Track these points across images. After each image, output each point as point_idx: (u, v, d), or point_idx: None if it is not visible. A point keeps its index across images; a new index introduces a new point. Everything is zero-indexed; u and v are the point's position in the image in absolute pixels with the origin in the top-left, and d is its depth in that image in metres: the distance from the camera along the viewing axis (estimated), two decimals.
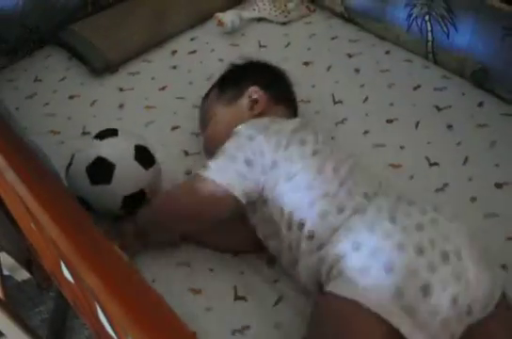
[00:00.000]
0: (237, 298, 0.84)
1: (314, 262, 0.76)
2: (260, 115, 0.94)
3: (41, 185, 0.63)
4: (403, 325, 0.65)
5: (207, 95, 1.03)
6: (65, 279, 0.92)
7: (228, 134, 0.88)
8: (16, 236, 1.35)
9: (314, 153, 0.82)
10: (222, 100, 0.98)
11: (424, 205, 0.77)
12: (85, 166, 0.89)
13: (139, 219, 0.88)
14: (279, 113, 0.95)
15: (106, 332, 0.70)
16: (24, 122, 1.17)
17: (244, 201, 0.81)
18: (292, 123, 0.88)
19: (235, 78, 1.00)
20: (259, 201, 0.83)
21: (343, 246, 0.73)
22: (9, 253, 1.36)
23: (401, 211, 0.74)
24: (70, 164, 0.93)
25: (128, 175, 0.89)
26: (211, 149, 0.93)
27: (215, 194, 0.80)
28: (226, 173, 0.81)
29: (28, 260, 1.43)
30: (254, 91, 0.95)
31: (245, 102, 0.95)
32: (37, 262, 1.39)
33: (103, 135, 0.93)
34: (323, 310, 0.71)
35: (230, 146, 0.85)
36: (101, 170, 0.87)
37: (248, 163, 0.81)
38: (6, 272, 1.42)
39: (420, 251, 0.69)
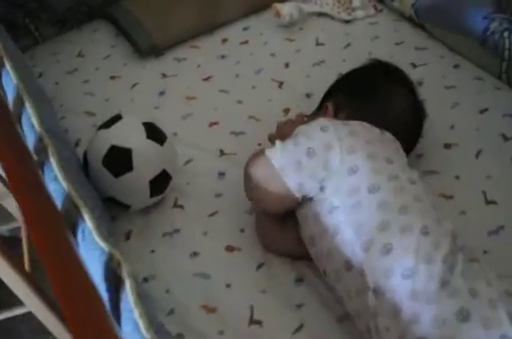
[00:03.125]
0: (252, 321, 0.78)
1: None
2: None
3: None
4: None
5: None
6: None
7: None
8: None
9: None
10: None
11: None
12: (100, 160, 0.84)
13: None
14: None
15: None
16: (61, 100, 1.13)
17: (297, 194, 0.77)
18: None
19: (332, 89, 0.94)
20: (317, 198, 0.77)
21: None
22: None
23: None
24: (86, 164, 0.88)
25: (147, 156, 0.85)
26: None
27: (270, 181, 0.78)
28: (287, 162, 0.77)
29: None
30: (328, 106, 0.89)
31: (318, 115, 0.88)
32: None
33: (108, 123, 0.88)
34: None
35: (303, 132, 0.80)
36: (119, 159, 0.83)
37: (310, 154, 0.77)
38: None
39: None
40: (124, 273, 0.55)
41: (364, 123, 0.82)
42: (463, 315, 0.64)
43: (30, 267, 1.17)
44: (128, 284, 0.53)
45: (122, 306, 0.54)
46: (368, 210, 0.72)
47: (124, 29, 1.22)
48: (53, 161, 0.68)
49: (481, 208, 0.88)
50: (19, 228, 1.29)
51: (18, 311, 1.19)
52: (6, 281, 1.10)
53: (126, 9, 1.24)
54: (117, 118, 0.89)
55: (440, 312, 0.64)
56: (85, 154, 0.89)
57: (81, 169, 0.88)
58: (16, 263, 1.07)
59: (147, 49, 1.18)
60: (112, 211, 0.90)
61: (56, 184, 0.65)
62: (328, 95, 0.94)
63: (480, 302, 0.65)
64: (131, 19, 1.22)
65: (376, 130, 0.82)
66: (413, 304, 0.65)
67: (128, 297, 0.52)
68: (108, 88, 1.14)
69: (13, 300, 1.16)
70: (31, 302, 1.15)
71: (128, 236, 0.90)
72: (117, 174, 0.84)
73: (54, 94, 1.13)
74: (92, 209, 0.65)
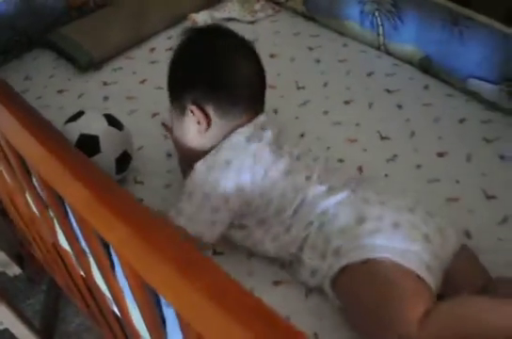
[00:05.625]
0: None
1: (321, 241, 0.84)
2: (213, 131, 0.90)
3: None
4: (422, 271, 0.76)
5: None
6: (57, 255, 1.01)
7: (188, 148, 0.93)
8: (8, 232, 1.45)
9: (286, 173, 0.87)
10: (173, 110, 0.95)
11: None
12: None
13: None
14: (233, 122, 0.88)
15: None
16: None
17: (215, 240, 0.87)
18: (252, 148, 0.87)
19: (175, 90, 0.93)
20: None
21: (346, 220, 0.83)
22: (1, 249, 1.45)
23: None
24: None
25: (112, 140, 1.02)
26: (179, 151, 1.00)
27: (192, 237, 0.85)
28: (196, 224, 0.85)
29: (20, 256, 1.52)
30: (193, 111, 0.88)
31: (189, 121, 0.90)
32: (28, 257, 1.49)
33: (73, 118, 1.05)
34: (356, 281, 0.78)
35: (195, 191, 0.86)
36: (89, 144, 1.00)
37: (215, 210, 0.85)
38: None
39: (411, 211, 0.83)
40: None
41: (240, 136, 0.87)
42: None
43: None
44: None
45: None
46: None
47: (64, 51, 1.40)
48: None
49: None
50: None
51: None
52: None
53: (63, 34, 1.43)
54: (80, 113, 1.07)
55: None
56: None
57: None
58: None
59: (87, 64, 1.37)
60: None
61: None
62: (182, 92, 0.91)
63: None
64: (69, 41, 1.40)
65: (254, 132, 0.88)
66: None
67: None
68: (59, 99, 1.31)
69: None
70: (7, 320, 1.25)
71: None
72: (89, 156, 0.98)
73: None
74: None
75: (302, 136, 1.15)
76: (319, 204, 0.85)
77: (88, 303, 1.08)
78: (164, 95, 1.29)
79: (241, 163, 0.85)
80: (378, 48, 1.35)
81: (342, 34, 1.41)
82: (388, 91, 1.23)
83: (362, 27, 1.35)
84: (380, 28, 1.32)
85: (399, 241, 0.78)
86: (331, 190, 0.87)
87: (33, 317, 1.43)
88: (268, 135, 0.88)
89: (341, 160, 1.09)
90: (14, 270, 1.52)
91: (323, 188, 0.87)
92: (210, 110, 0.88)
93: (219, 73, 0.88)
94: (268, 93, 1.23)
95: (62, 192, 0.69)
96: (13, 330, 1.28)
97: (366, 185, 0.91)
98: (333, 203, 0.85)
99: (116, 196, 0.60)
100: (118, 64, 1.39)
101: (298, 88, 1.26)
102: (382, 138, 1.13)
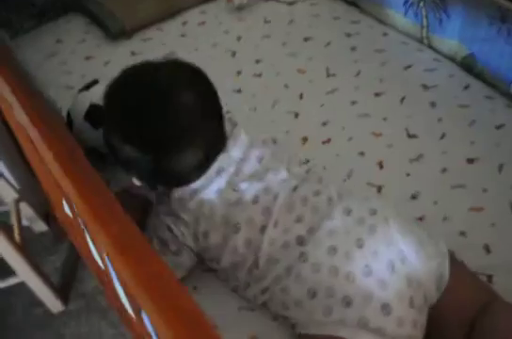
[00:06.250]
0: None
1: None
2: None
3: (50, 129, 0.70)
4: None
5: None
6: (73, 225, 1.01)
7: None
8: (39, 191, 1.46)
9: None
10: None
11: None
12: (82, 116, 0.99)
13: None
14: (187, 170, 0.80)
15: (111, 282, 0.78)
16: (42, 78, 1.28)
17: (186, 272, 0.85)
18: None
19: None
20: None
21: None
22: (30, 204, 1.46)
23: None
24: (69, 121, 1.02)
25: None
26: None
27: None
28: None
29: (47, 214, 1.53)
30: (137, 183, 0.84)
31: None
32: (55, 216, 1.50)
33: (86, 87, 1.03)
34: None
35: (163, 237, 0.83)
36: (98, 114, 0.97)
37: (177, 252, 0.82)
38: (25, 223, 1.52)
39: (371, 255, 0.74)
40: None
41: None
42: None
43: (21, 242, 1.29)
44: None
45: None
46: None
47: (97, 17, 1.38)
48: None
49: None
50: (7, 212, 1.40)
51: (12, 280, 1.29)
52: (1, 252, 1.21)
53: (98, 1, 1.41)
54: (94, 82, 1.04)
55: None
56: (68, 113, 1.04)
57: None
58: (8, 234, 1.19)
59: (118, 32, 1.34)
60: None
61: None
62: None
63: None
64: (102, 9, 1.39)
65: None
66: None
67: None
68: (84, 66, 1.29)
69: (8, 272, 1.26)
70: (24, 272, 1.27)
71: (108, 183, 1.04)
72: (97, 127, 0.98)
73: (35, 74, 1.28)
74: None
75: (325, 124, 1.10)
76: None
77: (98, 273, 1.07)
78: None
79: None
80: (421, 41, 1.27)
81: (383, 22, 1.34)
82: (424, 87, 1.15)
83: (406, 17, 1.28)
84: (424, 20, 1.25)
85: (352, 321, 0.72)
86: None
87: (52, 274, 1.44)
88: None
89: (361, 153, 1.03)
90: (40, 227, 1.52)
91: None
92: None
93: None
94: (297, 77, 1.20)
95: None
96: (29, 284, 1.29)
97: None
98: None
99: None
100: (148, 35, 1.36)
101: (329, 75, 1.21)
102: (409, 136, 1.06)
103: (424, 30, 1.26)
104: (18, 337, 1.37)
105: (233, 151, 0.82)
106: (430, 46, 1.26)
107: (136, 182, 0.83)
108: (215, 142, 0.81)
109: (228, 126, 0.85)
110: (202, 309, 0.81)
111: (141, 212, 0.90)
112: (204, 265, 0.86)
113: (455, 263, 0.78)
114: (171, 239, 0.82)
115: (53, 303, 1.38)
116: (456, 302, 0.75)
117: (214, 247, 0.81)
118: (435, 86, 1.15)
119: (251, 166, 0.83)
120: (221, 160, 0.81)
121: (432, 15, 1.22)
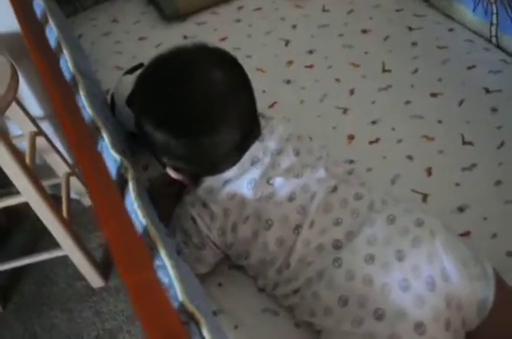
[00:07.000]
0: None
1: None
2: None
3: None
4: None
5: None
6: None
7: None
8: None
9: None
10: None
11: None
12: (124, 100, 0.97)
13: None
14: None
15: None
16: (96, 56, 1.28)
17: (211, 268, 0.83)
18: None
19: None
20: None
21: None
22: (80, 179, 1.49)
23: None
24: (112, 104, 1.02)
25: None
26: None
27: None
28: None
29: None
30: (171, 173, 0.82)
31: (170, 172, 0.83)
32: None
33: (131, 69, 1.01)
34: None
35: (187, 228, 0.81)
36: None
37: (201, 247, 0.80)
38: (74, 196, 1.55)
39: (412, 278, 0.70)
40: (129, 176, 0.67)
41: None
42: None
43: (68, 215, 1.32)
44: (131, 185, 0.66)
45: (126, 201, 0.66)
46: None
47: None
48: (82, 94, 0.83)
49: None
50: (59, 185, 1.44)
51: (56, 253, 1.33)
52: (47, 225, 1.24)
53: None
54: (140, 65, 1.03)
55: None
56: (112, 96, 1.04)
57: (108, 107, 1.03)
58: (56, 210, 1.22)
59: (172, 14, 1.33)
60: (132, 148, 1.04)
61: (84, 111, 0.80)
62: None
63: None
64: None
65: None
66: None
67: (130, 194, 0.65)
68: (136, 47, 1.29)
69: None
70: (67, 246, 1.30)
71: (146, 168, 1.04)
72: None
73: (89, 52, 1.29)
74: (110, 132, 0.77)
75: (374, 123, 1.05)
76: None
77: None
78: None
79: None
80: (489, 40, 1.18)
81: (449, 18, 1.25)
82: (486, 91, 1.07)
83: (474, 13, 1.19)
84: (494, 17, 1.15)
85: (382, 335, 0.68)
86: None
87: (96, 249, 1.48)
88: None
89: (410, 157, 0.98)
90: (89, 201, 1.53)
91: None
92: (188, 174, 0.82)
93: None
94: (349, 71, 1.15)
95: None
96: (72, 258, 1.32)
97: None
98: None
99: None
100: (202, 18, 1.33)
101: (384, 70, 1.14)
102: (464, 143, 0.99)
103: (493, 28, 1.17)
104: (57, 307, 1.42)
105: (269, 141, 0.80)
106: (498, 46, 1.17)
107: (171, 172, 0.82)
108: (249, 125, 0.79)
109: (262, 121, 0.82)
110: (225, 306, 0.81)
111: (175, 200, 0.89)
112: (230, 261, 0.85)
113: (500, 286, 0.72)
114: (195, 232, 0.80)
115: (93, 278, 1.41)
116: (499, 331, 0.70)
117: (242, 241, 0.78)
118: (498, 90, 1.07)
119: (288, 160, 0.79)
120: (256, 149, 0.78)
121: (503, 12, 1.12)
